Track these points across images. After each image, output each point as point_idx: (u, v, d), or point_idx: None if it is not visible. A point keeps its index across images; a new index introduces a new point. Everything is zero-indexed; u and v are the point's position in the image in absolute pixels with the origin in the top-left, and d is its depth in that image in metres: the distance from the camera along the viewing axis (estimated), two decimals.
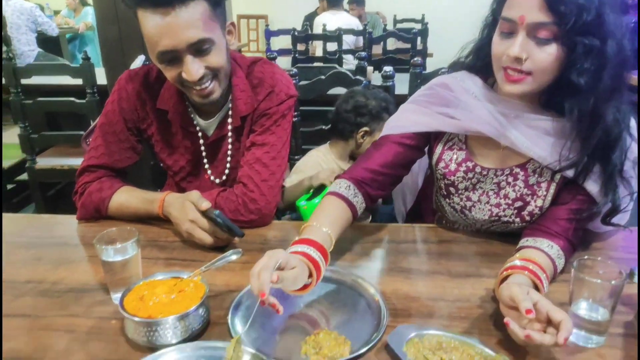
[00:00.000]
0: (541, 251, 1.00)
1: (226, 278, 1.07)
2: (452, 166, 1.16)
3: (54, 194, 2.93)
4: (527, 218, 1.11)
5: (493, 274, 1.07)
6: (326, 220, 1.05)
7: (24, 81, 2.48)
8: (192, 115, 1.33)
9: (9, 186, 2.92)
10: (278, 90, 1.32)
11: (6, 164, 2.67)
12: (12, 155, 2.77)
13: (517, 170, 1.10)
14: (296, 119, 1.87)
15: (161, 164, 1.44)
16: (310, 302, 0.99)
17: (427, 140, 1.23)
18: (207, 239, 1.14)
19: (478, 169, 1.14)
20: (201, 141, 1.34)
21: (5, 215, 1.48)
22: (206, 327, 0.91)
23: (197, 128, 1.34)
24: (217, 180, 1.39)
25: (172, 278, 0.94)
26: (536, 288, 0.91)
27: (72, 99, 2.47)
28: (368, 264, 1.14)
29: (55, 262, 1.14)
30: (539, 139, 1.04)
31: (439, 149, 1.20)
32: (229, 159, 1.36)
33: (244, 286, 1.01)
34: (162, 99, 1.31)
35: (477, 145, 1.16)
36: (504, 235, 1.21)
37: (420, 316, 0.94)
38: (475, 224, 1.22)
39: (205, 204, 1.13)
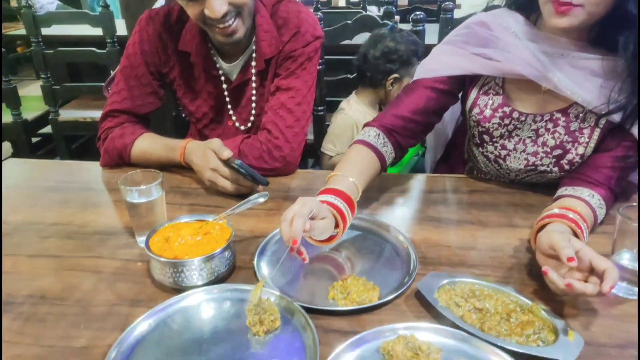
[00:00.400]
0: (581, 200, 0.95)
1: (251, 224, 1.05)
2: (487, 112, 1.10)
3: (78, 147, 2.95)
4: (567, 167, 1.05)
5: (527, 225, 1.03)
6: (353, 169, 1.01)
7: (44, 31, 2.44)
8: (214, 58, 1.28)
9: (34, 139, 2.94)
10: (304, 30, 1.25)
11: (30, 115, 2.67)
12: (36, 107, 2.78)
13: (558, 115, 1.03)
14: (320, 67, 1.80)
15: (183, 112, 1.41)
16: (337, 248, 0.96)
17: (461, 85, 1.16)
18: (230, 186, 1.12)
19: (515, 115, 1.07)
20: (224, 86, 1.30)
21: (31, 161, 1.49)
22: (232, 270, 0.90)
23: (220, 72, 1.29)
24: (242, 127, 1.35)
25: (197, 221, 0.92)
26: (576, 237, 0.86)
27: (92, 49, 2.43)
28: (396, 213, 1.11)
29: (81, 206, 1.14)
30: (585, 81, 0.97)
31: (473, 93, 1.13)
32: (253, 105, 1.32)
33: (268, 232, 0.99)
34: (184, 41, 1.26)
35: (515, 89, 1.08)
36: (539, 186, 1.15)
37: (451, 265, 0.91)
38: (509, 175, 1.16)
39: (227, 153, 1.10)
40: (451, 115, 1.37)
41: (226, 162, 1.11)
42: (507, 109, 1.08)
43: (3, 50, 2.51)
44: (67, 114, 2.67)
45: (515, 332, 0.73)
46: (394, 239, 0.98)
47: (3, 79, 2.47)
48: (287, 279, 0.88)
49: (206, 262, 0.83)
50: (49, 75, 2.48)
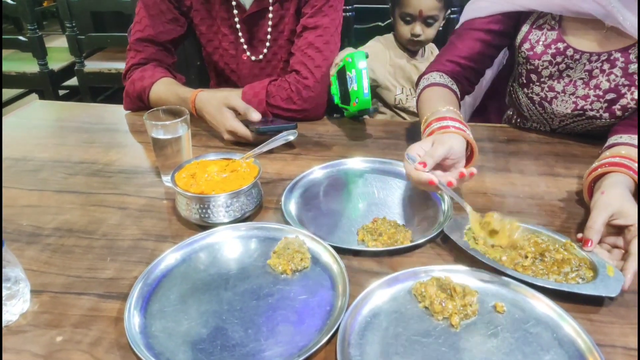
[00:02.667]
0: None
1: (278, 167, 1.02)
2: (539, 48, 1.02)
3: (104, 100, 2.95)
4: (618, 113, 0.97)
5: (570, 174, 0.97)
6: (443, 104, 0.93)
7: None
8: None
9: (61, 92, 2.95)
10: None
11: (56, 66, 2.66)
12: (62, 58, 2.77)
13: (617, 55, 0.95)
14: (349, 13, 1.72)
15: (204, 48, 1.35)
16: (366, 192, 0.93)
17: (516, 23, 1.07)
18: (252, 138, 1.08)
19: (570, 52, 0.98)
20: (235, 11, 1.23)
21: (57, 103, 1.48)
22: (259, 210, 0.87)
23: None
24: (253, 58, 1.30)
25: (224, 159, 0.89)
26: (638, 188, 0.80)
27: None
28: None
29: (106, 146, 1.13)
30: None
31: (525, 27, 1.04)
32: (268, 36, 1.26)
33: (295, 175, 0.96)
34: None
35: (574, 25, 0.99)
36: (583, 137, 1.09)
37: (487, 210, 0.86)
38: (552, 120, 1.09)
39: (255, 115, 1.04)
40: (496, 61, 1.29)
41: (248, 127, 1.07)
42: (561, 46, 0.99)
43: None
44: (93, 65, 2.66)
45: (552, 270, 0.69)
46: None
47: (29, 27, 2.46)
48: (315, 219, 0.85)
49: (233, 198, 0.81)
50: (73, 24, 2.45)
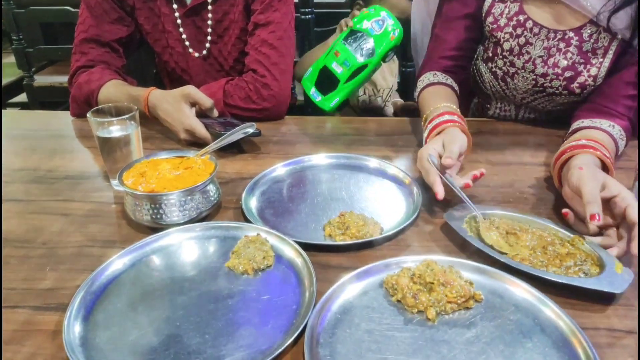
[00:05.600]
0: (602, 131, 0.87)
1: (237, 167, 0.97)
2: (502, 21, 1.03)
3: None
4: (577, 91, 0.98)
5: (537, 162, 0.96)
6: (438, 100, 0.98)
7: None
8: None
9: (9, 110, 2.80)
10: None
11: (3, 81, 2.53)
12: (9, 73, 2.63)
13: (571, 34, 0.96)
14: (309, 16, 1.70)
15: (153, 50, 1.29)
16: (331, 187, 0.88)
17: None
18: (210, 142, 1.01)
19: (529, 24, 1.00)
20: (175, 6, 1.18)
21: None
22: (217, 210, 0.81)
23: None
24: (197, 54, 1.25)
25: (176, 157, 0.83)
26: (605, 169, 0.79)
27: (67, 7, 2.28)
28: (395, 154, 1.02)
29: (50, 152, 1.04)
30: None
31: (488, 1, 1.05)
32: (209, 30, 1.21)
33: (256, 174, 0.90)
34: None
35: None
36: (549, 124, 1.09)
37: (460, 201, 0.82)
38: (515, 96, 1.09)
39: (208, 102, 1.02)
40: None
41: (205, 124, 1.01)
42: (522, 18, 1.01)
43: None
44: (43, 79, 2.53)
45: (554, 263, 0.65)
46: (393, 176, 0.90)
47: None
48: (278, 216, 0.79)
49: (188, 196, 0.74)
50: (20, 37, 2.33)
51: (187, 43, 1.23)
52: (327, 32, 1.79)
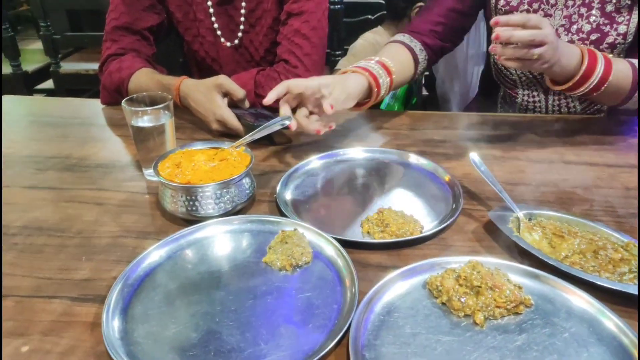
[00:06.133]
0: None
1: (270, 159, 0.95)
2: (514, 1, 1.01)
3: None
4: (607, 51, 0.96)
5: (582, 161, 0.92)
6: (383, 54, 1.01)
7: None
8: None
9: (36, 95, 2.83)
10: None
11: (30, 67, 2.55)
12: (36, 60, 2.65)
13: None
14: (338, 6, 1.66)
15: (183, 39, 1.27)
16: (370, 182, 0.86)
17: None
18: (242, 133, 1.00)
19: None
20: None
21: (29, 98, 1.39)
22: (252, 203, 0.80)
23: None
24: (228, 44, 1.23)
25: (211, 148, 0.81)
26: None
27: None
28: (430, 150, 0.99)
29: (81, 140, 1.04)
30: None
31: None
32: (242, 19, 1.19)
33: (289, 167, 0.89)
34: None
35: None
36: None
37: (501, 200, 0.79)
38: (542, 76, 1.05)
39: (241, 93, 1.00)
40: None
41: (237, 115, 1.00)
42: None
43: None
44: (70, 66, 2.55)
45: (607, 269, 0.62)
46: (432, 173, 0.87)
47: (2, 26, 2.34)
48: (313, 211, 0.78)
49: (223, 189, 0.73)
50: (48, 23, 2.34)
51: (218, 32, 1.22)
52: (356, 23, 1.76)
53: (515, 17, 0.76)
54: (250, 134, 0.82)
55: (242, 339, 0.54)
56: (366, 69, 0.94)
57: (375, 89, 0.95)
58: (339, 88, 0.89)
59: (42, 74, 2.63)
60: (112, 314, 0.56)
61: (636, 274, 0.61)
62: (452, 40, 1.14)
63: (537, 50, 0.77)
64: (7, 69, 2.44)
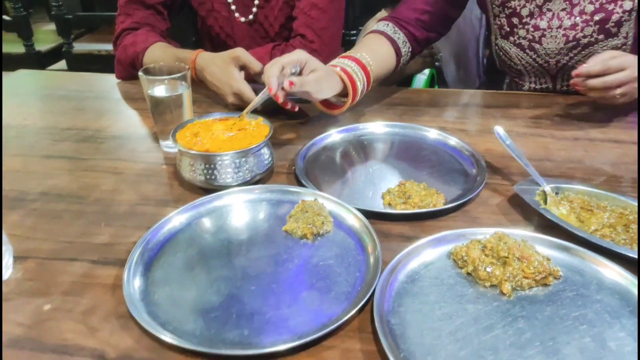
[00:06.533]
0: None
1: (287, 132, 0.93)
2: None
3: None
4: (614, 30, 0.93)
5: (608, 138, 0.89)
6: (363, 49, 0.96)
7: None
8: None
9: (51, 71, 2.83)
10: None
11: (43, 48, 2.55)
12: (49, 40, 2.65)
13: None
14: None
15: (197, 14, 1.26)
16: (388, 156, 0.84)
17: None
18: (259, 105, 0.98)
19: None
20: None
21: (43, 72, 1.38)
22: (270, 174, 0.78)
23: None
24: (243, 19, 1.20)
25: (229, 118, 0.80)
26: None
27: None
28: (451, 125, 0.97)
29: (97, 113, 1.03)
30: None
31: None
32: None
33: (308, 140, 0.87)
34: None
35: None
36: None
37: (526, 175, 0.77)
38: (549, 62, 1.02)
39: (257, 65, 0.97)
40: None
41: (253, 89, 0.96)
42: None
43: None
44: (82, 46, 2.54)
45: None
46: (453, 147, 0.86)
47: (13, 6, 2.34)
48: (333, 183, 0.76)
49: (242, 158, 0.72)
50: (60, 3, 2.33)
51: (233, 7, 1.20)
52: (371, 1, 1.72)
53: (595, 69, 0.81)
54: (260, 94, 0.81)
55: (264, 303, 0.53)
56: (342, 68, 0.89)
57: (351, 88, 0.89)
58: (317, 75, 0.83)
59: (55, 54, 2.62)
60: (133, 275, 0.56)
61: None
62: (438, 31, 1.08)
63: (619, 91, 0.83)
64: (20, 49, 2.44)
